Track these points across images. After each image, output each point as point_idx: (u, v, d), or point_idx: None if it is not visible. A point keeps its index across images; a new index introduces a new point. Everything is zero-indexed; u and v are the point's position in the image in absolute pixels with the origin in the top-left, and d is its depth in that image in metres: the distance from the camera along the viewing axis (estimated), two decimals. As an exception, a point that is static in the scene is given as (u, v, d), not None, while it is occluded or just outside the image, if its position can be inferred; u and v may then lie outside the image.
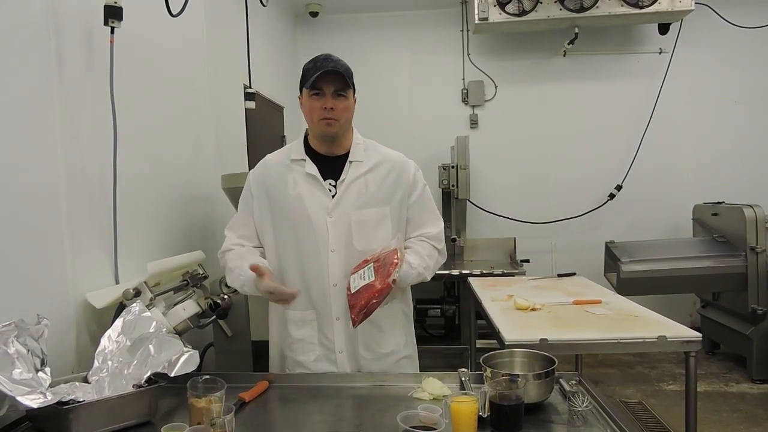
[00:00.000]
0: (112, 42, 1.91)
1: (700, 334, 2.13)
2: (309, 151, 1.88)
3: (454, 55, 5.28)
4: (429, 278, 1.88)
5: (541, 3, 4.47)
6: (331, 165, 1.85)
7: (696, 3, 4.46)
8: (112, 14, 1.87)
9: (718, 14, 4.88)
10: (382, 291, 1.61)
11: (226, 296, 2.35)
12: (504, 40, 5.20)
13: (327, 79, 1.73)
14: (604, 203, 5.15)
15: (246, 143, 3.65)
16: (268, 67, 4.29)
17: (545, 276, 3.42)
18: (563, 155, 5.21)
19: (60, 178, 1.76)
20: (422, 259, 1.84)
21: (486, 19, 4.52)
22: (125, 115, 2.03)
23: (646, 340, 2.12)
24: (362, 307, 1.61)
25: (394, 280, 1.61)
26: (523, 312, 2.52)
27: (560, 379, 1.61)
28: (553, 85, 5.20)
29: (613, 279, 4.11)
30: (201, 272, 2.33)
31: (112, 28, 1.90)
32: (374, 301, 1.61)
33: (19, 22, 1.63)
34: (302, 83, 1.80)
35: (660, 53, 5.03)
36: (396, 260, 1.64)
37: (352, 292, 1.67)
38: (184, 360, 1.51)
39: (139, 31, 2.20)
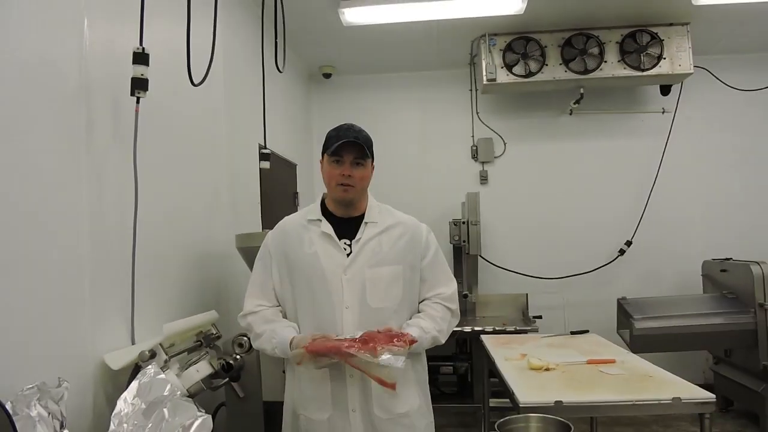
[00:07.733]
0: (137, 111, 2.00)
1: (714, 396, 2.09)
2: (326, 212, 1.95)
3: (464, 113, 5.39)
4: (443, 341, 1.91)
5: (546, 65, 4.59)
6: (346, 226, 1.91)
7: (695, 67, 4.54)
8: (139, 86, 1.97)
9: (716, 77, 4.98)
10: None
11: (238, 356, 2.36)
12: (512, 99, 5.30)
13: (347, 148, 1.82)
14: (615, 259, 5.12)
15: (260, 201, 3.72)
16: (282, 126, 4.40)
17: (558, 333, 3.39)
18: (573, 211, 5.22)
19: (84, 243, 1.81)
20: (436, 322, 1.88)
21: (494, 80, 4.64)
22: (146, 179, 2.09)
23: (662, 401, 2.09)
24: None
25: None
26: (537, 372, 2.50)
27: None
28: (560, 143, 5.27)
29: (626, 336, 4.05)
30: (214, 332, 2.34)
31: (138, 98, 1.99)
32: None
33: (55, 92, 1.72)
34: (324, 148, 1.89)
35: (663, 113, 5.08)
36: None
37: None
38: (197, 425, 1.51)
39: (162, 100, 2.29)
